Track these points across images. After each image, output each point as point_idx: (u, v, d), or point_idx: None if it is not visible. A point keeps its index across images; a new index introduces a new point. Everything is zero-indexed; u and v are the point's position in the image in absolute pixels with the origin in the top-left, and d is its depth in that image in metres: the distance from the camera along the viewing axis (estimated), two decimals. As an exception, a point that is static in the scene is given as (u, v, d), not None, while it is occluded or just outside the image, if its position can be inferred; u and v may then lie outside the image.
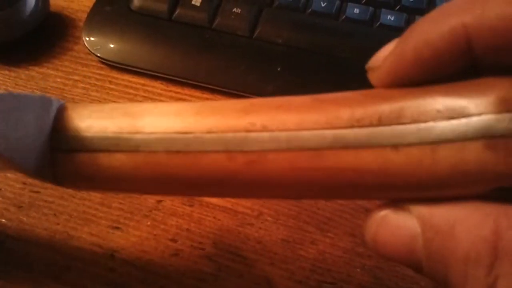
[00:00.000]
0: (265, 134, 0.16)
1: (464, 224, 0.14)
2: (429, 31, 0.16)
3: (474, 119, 0.15)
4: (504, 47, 0.15)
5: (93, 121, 0.18)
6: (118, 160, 0.18)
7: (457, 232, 0.14)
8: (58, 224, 0.28)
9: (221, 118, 0.17)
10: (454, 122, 0.15)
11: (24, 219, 0.28)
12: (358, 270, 0.28)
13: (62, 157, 0.18)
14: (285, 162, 0.16)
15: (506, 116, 0.14)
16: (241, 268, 0.27)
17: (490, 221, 0.14)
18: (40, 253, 0.27)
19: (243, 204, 0.30)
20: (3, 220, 0.28)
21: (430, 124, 0.15)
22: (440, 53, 0.16)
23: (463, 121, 0.15)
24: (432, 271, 0.15)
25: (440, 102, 0.15)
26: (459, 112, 0.15)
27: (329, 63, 0.37)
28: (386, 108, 0.16)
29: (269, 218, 0.29)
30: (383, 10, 0.39)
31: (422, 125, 0.15)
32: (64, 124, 0.18)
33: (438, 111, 0.15)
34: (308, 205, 0.30)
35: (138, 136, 0.17)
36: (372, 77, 0.18)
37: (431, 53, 0.16)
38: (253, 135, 0.17)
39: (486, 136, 0.14)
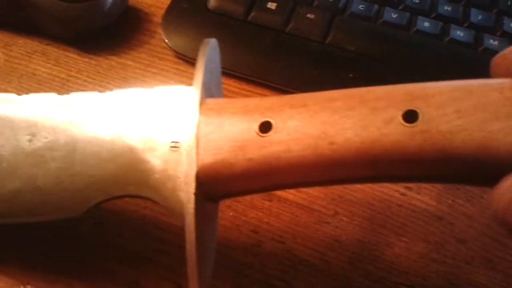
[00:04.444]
0: None
1: None
2: None
3: None
4: None
5: None
6: None
7: None
8: (146, 208, 0.29)
9: None
10: None
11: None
12: (433, 275, 0.28)
13: None
14: None
15: None
16: (320, 263, 0.28)
17: None
18: (131, 235, 0.28)
19: (319, 203, 0.31)
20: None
21: None
22: None
23: None
24: None
25: None
26: None
27: (399, 73, 0.38)
28: None
29: (344, 219, 0.30)
30: (452, 26, 0.40)
31: None
32: None
33: None
34: (381, 208, 0.31)
35: None
36: None
37: None
38: None
39: None
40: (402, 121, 0.18)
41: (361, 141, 0.18)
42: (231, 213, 0.29)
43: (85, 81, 0.36)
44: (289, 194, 0.31)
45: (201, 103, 0.22)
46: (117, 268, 0.27)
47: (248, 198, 0.30)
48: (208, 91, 0.23)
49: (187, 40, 0.38)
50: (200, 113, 0.21)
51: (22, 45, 0.37)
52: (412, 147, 0.18)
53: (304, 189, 0.31)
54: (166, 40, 0.38)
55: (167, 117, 0.23)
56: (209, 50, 0.24)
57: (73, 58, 0.37)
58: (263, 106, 0.21)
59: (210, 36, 0.38)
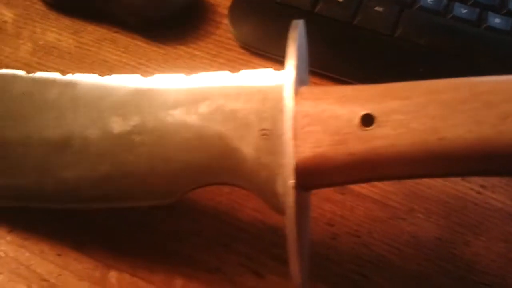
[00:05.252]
0: None
1: None
2: None
3: None
4: None
5: None
6: None
7: None
8: (221, 195, 0.29)
9: None
10: None
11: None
12: (512, 275, 0.28)
13: None
14: None
15: None
16: (397, 259, 0.28)
17: None
18: (208, 221, 0.28)
19: (393, 198, 0.30)
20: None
21: None
22: None
23: None
24: None
25: None
26: None
27: (470, 69, 0.37)
28: None
29: (420, 215, 0.30)
30: (524, 22, 0.38)
31: None
32: None
33: None
34: (456, 206, 0.30)
35: None
36: None
37: None
38: None
39: None
40: None
41: (474, 138, 0.18)
42: (306, 205, 0.29)
43: (155, 69, 0.36)
44: (362, 188, 0.30)
45: (296, 92, 0.21)
46: (196, 255, 0.27)
47: (321, 190, 0.30)
48: (299, 78, 0.23)
49: (253, 31, 0.38)
50: (296, 103, 0.21)
51: (92, 32, 0.38)
52: None
53: (378, 184, 0.31)
54: (233, 31, 0.38)
55: (257, 103, 0.22)
56: (299, 36, 0.23)
57: (142, 47, 0.37)
58: (363, 97, 0.20)
59: (277, 27, 0.38)
